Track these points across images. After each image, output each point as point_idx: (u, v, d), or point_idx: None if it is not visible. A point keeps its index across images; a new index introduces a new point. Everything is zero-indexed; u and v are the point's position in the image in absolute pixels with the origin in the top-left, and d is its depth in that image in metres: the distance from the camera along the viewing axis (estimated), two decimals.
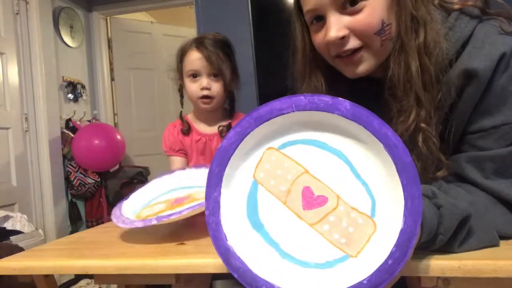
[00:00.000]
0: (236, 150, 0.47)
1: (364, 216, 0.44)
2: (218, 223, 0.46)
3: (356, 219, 0.44)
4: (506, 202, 0.55)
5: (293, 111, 0.46)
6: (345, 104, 0.44)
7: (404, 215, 0.41)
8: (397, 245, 0.41)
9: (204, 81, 1.04)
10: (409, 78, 0.57)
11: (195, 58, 1.04)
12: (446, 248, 0.49)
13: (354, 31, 0.57)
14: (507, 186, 0.55)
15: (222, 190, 0.47)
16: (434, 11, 0.59)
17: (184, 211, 0.67)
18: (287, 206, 0.47)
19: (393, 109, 0.60)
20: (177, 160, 1.14)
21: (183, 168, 0.88)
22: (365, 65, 0.60)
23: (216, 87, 1.05)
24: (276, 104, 0.46)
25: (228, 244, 0.46)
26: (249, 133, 0.47)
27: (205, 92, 1.04)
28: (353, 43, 0.58)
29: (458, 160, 0.59)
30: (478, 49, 0.56)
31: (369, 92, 0.66)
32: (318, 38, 0.62)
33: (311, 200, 0.46)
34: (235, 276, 0.45)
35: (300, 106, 0.46)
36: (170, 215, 0.68)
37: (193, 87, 1.06)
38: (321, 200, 0.46)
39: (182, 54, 1.08)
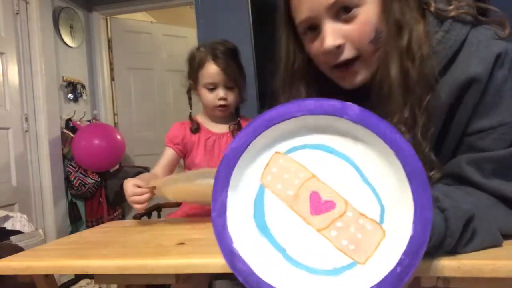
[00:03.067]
0: (244, 152, 0.47)
1: (373, 222, 0.43)
2: (224, 226, 0.46)
3: (364, 225, 0.43)
4: (507, 200, 0.55)
5: (305, 115, 0.45)
6: (354, 108, 0.44)
7: (414, 222, 0.40)
8: (406, 252, 0.40)
9: (221, 92, 1.11)
10: (390, 82, 0.57)
11: (213, 72, 1.10)
12: (452, 250, 0.49)
13: (350, 40, 0.57)
14: (508, 185, 0.55)
15: (229, 192, 0.46)
16: (428, 15, 0.59)
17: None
18: (294, 211, 0.46)
19: (380, 112, 0.60)
20: (169, 151, 1.17)
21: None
22: (361, 76, 0.61)
23: (231, 97, 1.13)
24: (290, 106, 0.46)
25: (233, 247, 0.45)
26: (260, 133, 0.47)
27: (222, 102, 1.12)
28: (348, 52, 0.58)
29: (458, 161, 0.59)
30: (473, 53, 0.57)
31: (355, 97, 0.66)
32: (314, 47, 0.61)
33: (319, 205, 0.46)
34: (240, 279, 0.44)
35: (308, 111, 0.45)
36: None
37: (210, 97, 1.12)
38: (329, 206, 0.45)
39: (199, 65, 1.13)
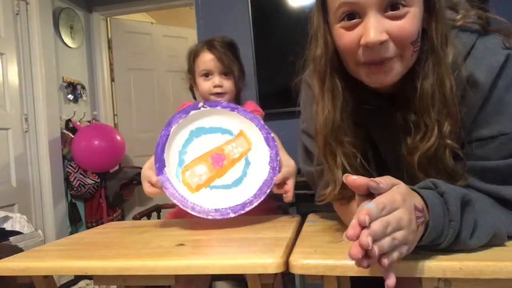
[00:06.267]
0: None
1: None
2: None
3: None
4: (506, 202, 0.56)
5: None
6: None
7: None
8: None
9: (216, 79, 1.12)
10: (441, 92, 0.56)
11: (208, 59, 1.12)
12: (461, 241, 0.49)
13: (393, 38, 0.54)
14: (506, 188, 0.57)
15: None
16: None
17: (254, 200, 0.81)
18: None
19: (406, 122, 0.60)
20: None
21: (197, 107, 0.89)
22: (393, 75, 0.57)
23: (227, 84, 1.13)
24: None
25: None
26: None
27: (218, 90, 1.12)
28: (391, 51, 0.54)
29: None
30: (479, 60, 0.57)
31: (376, 106, 0.65)
32: (348, 37, 0.56)
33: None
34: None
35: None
36: (244, 205, 0.81)
37: (206, 85, 1.13)
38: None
39: (194, 55, 1.15)
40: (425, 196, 0.49)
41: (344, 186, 0.57)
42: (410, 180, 0.58)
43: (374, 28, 0.52)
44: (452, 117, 0.56)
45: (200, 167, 0.87)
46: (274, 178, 0.82)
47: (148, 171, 0.85)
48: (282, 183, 0.82)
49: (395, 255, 0.43)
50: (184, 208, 0.80)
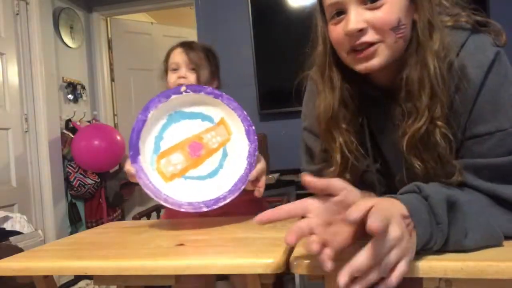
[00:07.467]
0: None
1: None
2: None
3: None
4: (503, 201, 0.57)
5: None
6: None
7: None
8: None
9: (182, 71, 1.14)
10: (426, 76, 0.59)
11: (177, 53, 1.16)
12: (454, 244, 0.49)
13: (373, 26, 0.60)
14: (504, 187, 0.57)
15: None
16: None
17: (228, 196, 0.80)
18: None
19: (401, 111, 0.63)
20: None
21: (178, 91, 0.86)
22: (378, 59, 0.61)
23: (192, 78, 1.14)
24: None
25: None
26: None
27: (182, 81, 1.12)
28: (370, 36, 0.60)
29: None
30: (471, 56, 0.59)
31: (374, 98, 0.69)
32: (336, 30, 0.63)
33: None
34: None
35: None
36: (217, 200, 0.80)
37: (173, 78, 1.15)
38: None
39: (168, 53, 1.19)
40: (409, 202, 0.49)
41: (343, 169, 0.68)
42: (407, 170, 0.63)
43: (353, 18, 0.60)
44: (441, 101, 0.59)
45: (177, 156, 0.84)
46: (250, 174, 0.81)
47: (128, 167, 0.83)
48: (255, 180, 0.82)
49: (401, 266, 0.43)
50: (156, 200, 0.78)
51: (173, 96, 0.85)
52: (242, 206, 0.81)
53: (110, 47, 3.24)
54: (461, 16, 0.63)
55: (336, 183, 0.52)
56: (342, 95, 0.68)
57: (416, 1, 0.60)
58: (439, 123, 0.59)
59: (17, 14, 2.41)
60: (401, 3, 0.59)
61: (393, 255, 0.43)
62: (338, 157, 0.68)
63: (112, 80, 3.26)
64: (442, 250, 0.50)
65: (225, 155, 0.86)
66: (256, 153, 0.83)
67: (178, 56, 1.14)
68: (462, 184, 0.59)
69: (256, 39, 2.30)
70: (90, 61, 3.08)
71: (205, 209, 0.78)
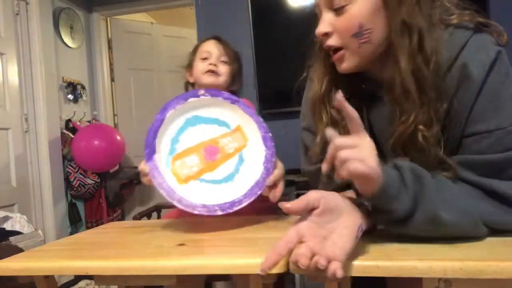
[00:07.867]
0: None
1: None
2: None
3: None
4: (496, 195, 0.57)
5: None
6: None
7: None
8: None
9: (213, 59, 1.13)
10: (402, 79, 0.60)
11: (210, 43, 1.16)
12: (431, 216, 0.52)
13: (336, 30, 0.64)
14: (499, 182, 0.57)
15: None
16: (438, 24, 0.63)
17: (244, 200, 0.78)
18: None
19: (396, 110, 0.63)
20: None
21: (196, 94, 0.85)
22: (346, 64, 0.66)
23: (223, 68, 1.14)
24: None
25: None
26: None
27: (212, 67, 1.12)
28: (333, 41, 0.64)
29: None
30: (473, 54, 0.60)
31: (373, 95, 0.70)
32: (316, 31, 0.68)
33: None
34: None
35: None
36: (232, 204, 0.77)
37: (202, 65, 1.14)
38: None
39: (198, 45, 1.18)
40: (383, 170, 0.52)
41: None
42: None
43: (321, 22, 0.64)
44: (420, 102, 0.60)
45: (192, 158, 0.83)
46: (267, 180, 0.79)
47: (142, 165, 0.84)
48: (272, 185, 0.80)
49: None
50: (170, 200, 0.76)
51: (191, 99, 0.84)
52: (247, 207, 0.80)
53: (110, 47, 3.24)
54: (465, 15, 0.63)
55: (312, 195, 0.52)
56: (333, 80, 0.70)
57: (387, 2, 0.61)
58: (420, 127, 0.59)
59: (17, 14, 2.41)
60: (366, 8, 0.61)
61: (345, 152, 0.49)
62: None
63: (112, 80, 3.26)
64: (425, 229, 0.52)
65: (241, 160, 0.84)
66: (274, 159, 0.82)
67: (212, 46, 1.15)
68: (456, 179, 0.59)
69: (256, 39, 2.30)
70: (90, 61, 3.08)
71: (219, 213, 0.76)
